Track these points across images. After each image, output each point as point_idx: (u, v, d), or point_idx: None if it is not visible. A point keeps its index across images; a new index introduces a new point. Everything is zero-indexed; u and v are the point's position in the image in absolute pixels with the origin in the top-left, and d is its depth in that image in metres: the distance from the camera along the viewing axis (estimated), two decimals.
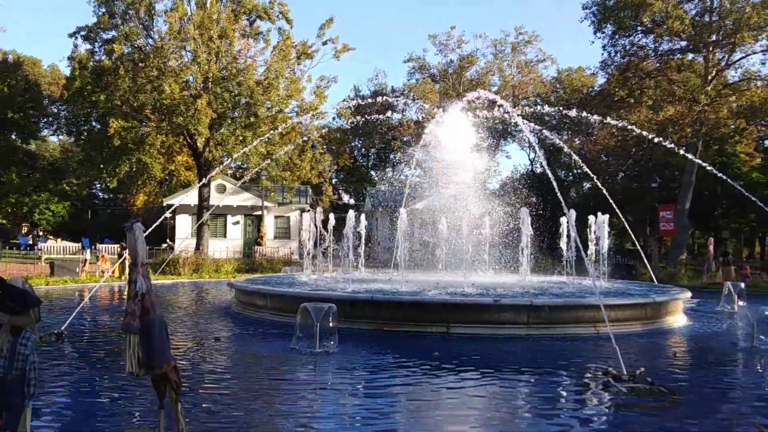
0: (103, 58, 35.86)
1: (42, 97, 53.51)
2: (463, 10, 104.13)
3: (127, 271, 4.50)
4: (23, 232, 64.75)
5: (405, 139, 61.08)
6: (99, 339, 11.85)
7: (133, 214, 56.01)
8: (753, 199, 19.44)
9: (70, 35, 36.70)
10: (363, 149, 72.16)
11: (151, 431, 4.32)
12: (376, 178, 70.17)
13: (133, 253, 4.48)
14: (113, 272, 23.83)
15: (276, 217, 48.74)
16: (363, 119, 46.00)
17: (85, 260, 28.28)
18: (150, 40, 35.64)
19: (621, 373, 8.09)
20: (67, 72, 41.98)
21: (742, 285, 17.92)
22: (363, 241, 21.28)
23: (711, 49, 37.27)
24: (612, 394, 7.60)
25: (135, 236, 4.45)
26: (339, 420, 6.68)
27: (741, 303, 16.14)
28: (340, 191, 71.27)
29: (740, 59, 38.72)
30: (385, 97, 55.07)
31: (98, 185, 68.34)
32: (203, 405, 7.05)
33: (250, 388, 8.11)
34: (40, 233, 61.68)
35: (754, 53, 37.85)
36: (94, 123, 45.44)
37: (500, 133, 61.16)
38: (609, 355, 9.21)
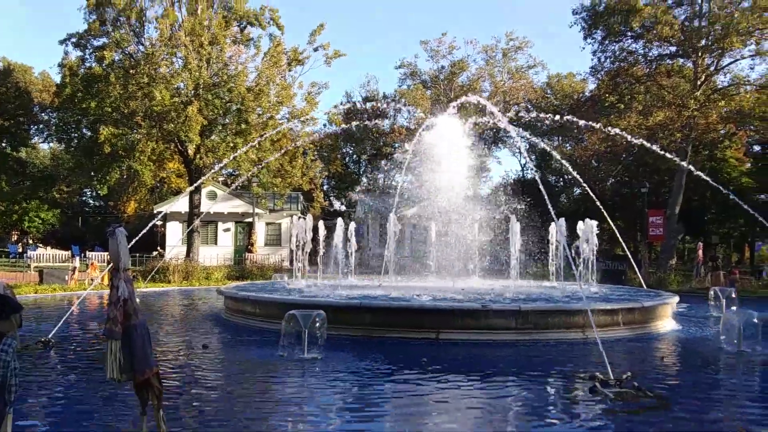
0: (94, 65, 35.74)
1: (32, 104, 53.28)
2: (455, 16, 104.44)
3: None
4: (13, 240, 64.45)
5: (396, 145, 61.10)
6: (86, 346, 11.78)
7: (124, 222, 55.87)
8: (742, 204, 19.52)
9: (61, 42, 36.58)
10: (354, 155, 72.10)
11: None
12: (365, 183, 70.11)
13: (115, 258, 4.48)
14: (102, 280, 23.75)
15: (267, 224, 48.65)
16: (355, 124, 46.02)
17: (75, 268, 28.17)
18: (141, 47, 35.56)
19: (608, 378, 8.10)
20: (57, 79, 41.84)
21: (733, 291, 17.90)
22: (353, 247, 21.27)
23: (700, 54, 37.43)
24: (599, 399, 7.62)
25: (117, 241, 4.44)
26: (325, 427, 6.67)
27: (732, 307, 16.22)
28: (331, 198, 71.18)
29: (729, 64, 38.97)
30: (375, 103, 55.14)
31: (89, 193, 68.23)
32: (189, 412, 7.03)
33: (237, 396, 8.08)
34: (30, 241, 61.42)
35: (743, 58, 38.03)
36: (84, 130, 45.23)
37: (491, 139, 61.34)
38: (596, 360, 9.23)
